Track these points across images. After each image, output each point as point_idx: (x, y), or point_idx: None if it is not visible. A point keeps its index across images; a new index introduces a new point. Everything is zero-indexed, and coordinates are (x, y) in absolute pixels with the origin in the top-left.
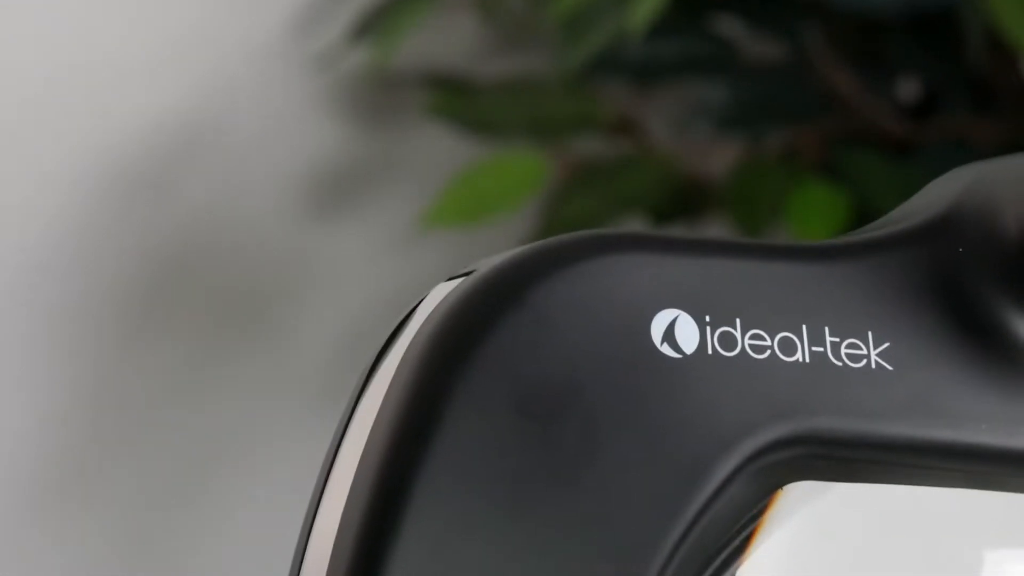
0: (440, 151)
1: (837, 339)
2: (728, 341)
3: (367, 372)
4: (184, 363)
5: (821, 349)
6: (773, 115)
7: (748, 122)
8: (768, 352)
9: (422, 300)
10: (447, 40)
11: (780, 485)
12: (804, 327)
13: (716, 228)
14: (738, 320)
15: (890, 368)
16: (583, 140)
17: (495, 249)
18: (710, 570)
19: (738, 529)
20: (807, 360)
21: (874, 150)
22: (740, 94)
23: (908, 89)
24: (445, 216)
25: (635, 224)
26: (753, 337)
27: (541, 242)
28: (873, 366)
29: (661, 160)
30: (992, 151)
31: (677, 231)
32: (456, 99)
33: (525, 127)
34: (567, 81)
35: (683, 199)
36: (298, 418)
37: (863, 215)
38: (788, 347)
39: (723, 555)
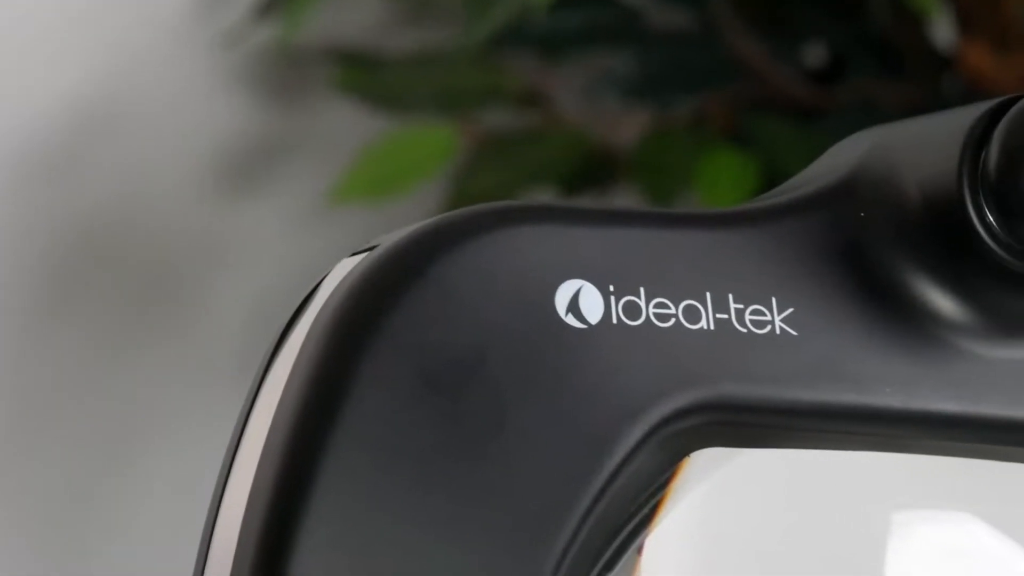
0: (348, 126)
1: (741, 306)
2: (633, 310)
3: (271, 351)
4: (92, 346)
5: (725, 316)
6: (680, 83)
7: (656, 91)
8: (673, 320)
9: (325, 277)
10: (353, 15)
11: (686, 453)
12: (708, 295)
13: (626, 198)
14: (642, 289)
15: (794, 333)
16: (491, 112)
17: (405, 223)
18: (619, 539)
19: (646, 498)
20: (712, 327)
21: (782, 116)
22: (647, 63)
23: (815, 55)
24: (354, 191)
25: (545, 196)
26: (657, 306)
27: (443, 215)
28: (777, 332)
29: (569, 131)
30: (899, 114)
31: (586, 202)
32: (363, 74)
33: (432, 100)
34: (474, 54)
35: (592, 169)
36: (210, 399)
37: (772, 181)
38: (692, 315)
39: (631, 524)
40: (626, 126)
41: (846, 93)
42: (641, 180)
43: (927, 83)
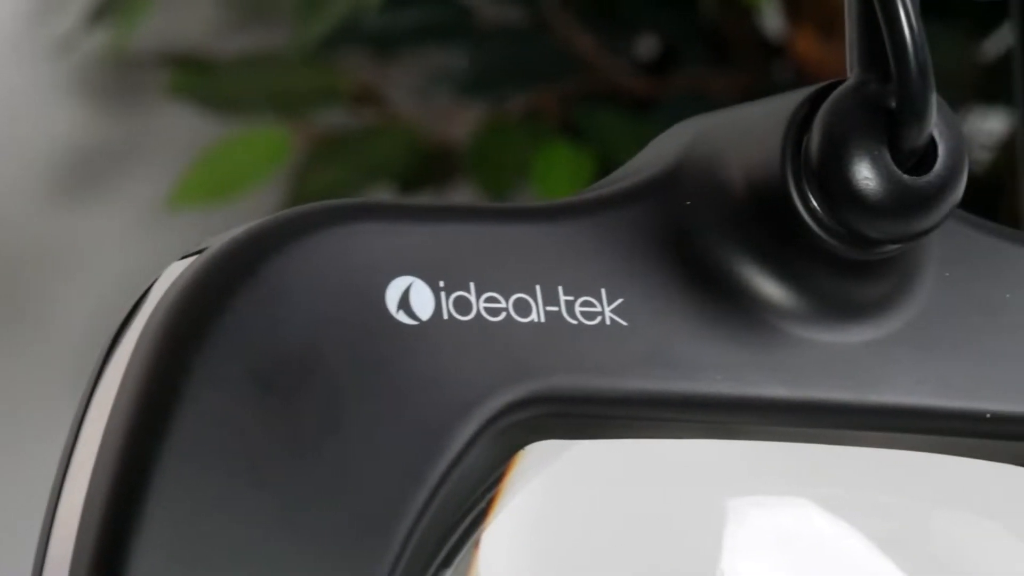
0: (185, 130)
1: (571, 298)
2: (463, 305)
3: (103, 356)
4: None
5: (556, 308)
6: (513, 78)
7: (489, 86)
8: (503, 314)
9: (155, 281)
10: (185, 19)
11: (521, 446)
12: (538, 287)
13: (463, 194)
14: (472, 284)
15: (625, 324)
16: (325, 112)
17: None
18: (455, 535)
19: (482, 493)
20: (542, 320)
21: (615, 108)
22: (480, 58)
23: (646, 46)
24: (191, 195)
25: (382, 194)
26: (488, 300)
27: (272, 216)
28: (608, 322)
29: (405, 128)
30: (730, 103)
31: (422, 199)
32: (196, 77)
33: (267, 102)
34: (306, 54)
35: (429, 166)
36: (48, 409)
37: (607, 172)
38: (523, 308)
39: (468, 519)
40: (461, 122)
41: (678, 83)
42: (477, 175)
43: (757, 71)
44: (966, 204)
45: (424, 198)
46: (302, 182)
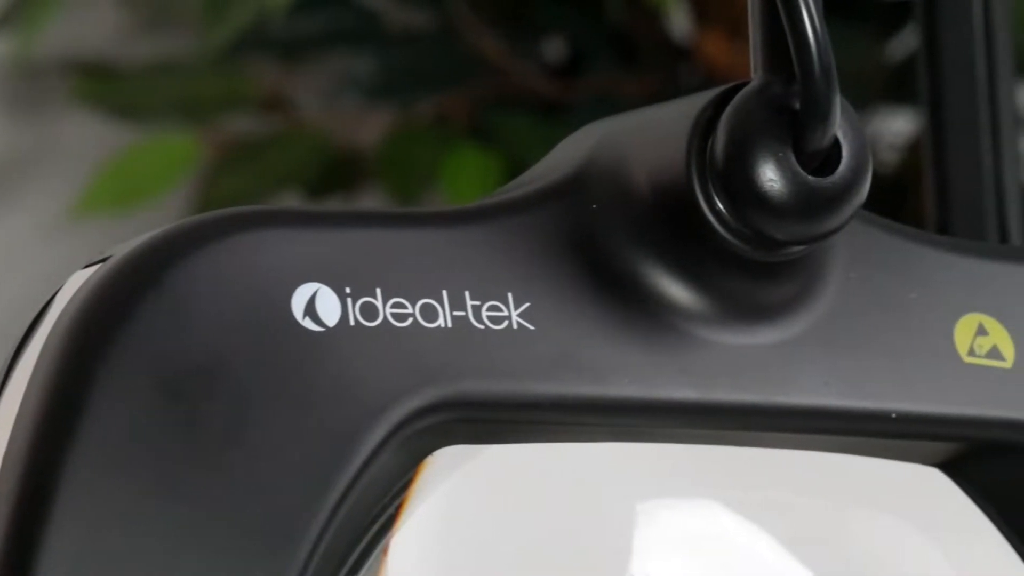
0: (90, 138)
1: (478, 302)
2: (370, 311)
3: (6, 367)
4: None
5: (462, 313)
6: (421, 82)
7: (397, 91)
8: (410, 320)
9: (58, 290)
10: (89, 26)
11: (429, 451)
12: (445, 292)
13: (372, 199)
14: (379, 290)
15: (532, 328)
16: (233, 118)
17: None
18: (364, 541)
19: (390, 499)
20: (449, 325)
21: (524, 111)
22: (387, 63)
23: (554, 49)
24: (97, 203)
25: (291, 200)
26: (395, 306)
27: (176, 224)
28: (515, 327)
29: (312, 134)
30: (639, 106)
31: (329, 205)
32: (102, 84)
33: (173, 109)
34: (213, 60)
35: (337, 172)
36: None
37: (516, 176)
38: (430, 313)
39: (376, 525)
40: (369, 127)
41: (587, 86)
42: (386, 180)
43: (666, 74)
44: (873, 205)
45: (333, 204)
46: (210, 189)
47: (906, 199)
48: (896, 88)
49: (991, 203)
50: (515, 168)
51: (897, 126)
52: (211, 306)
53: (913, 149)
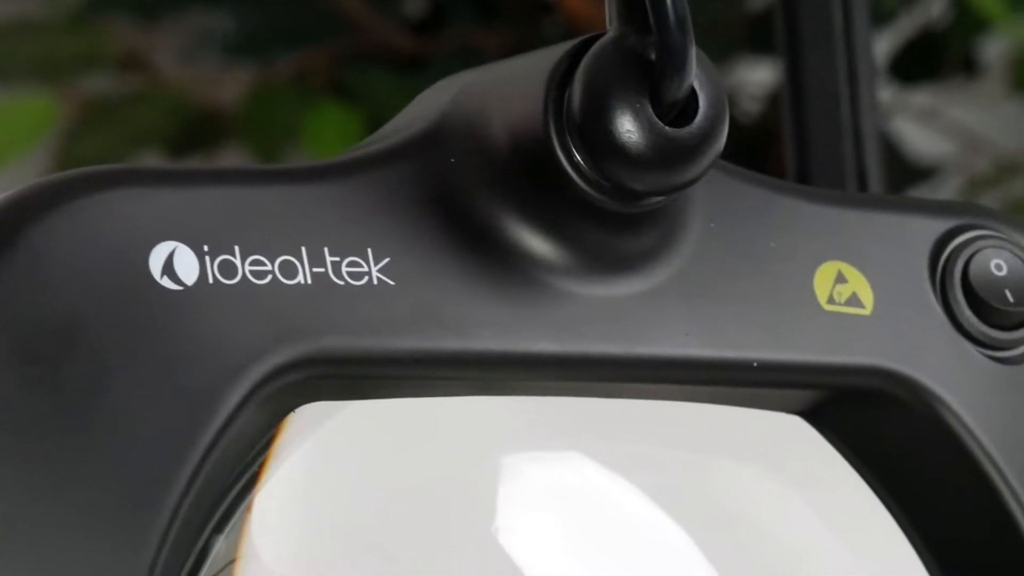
0: None
1: (337, 258)
2: (228, 269)
3: None
4: None
5: (322, 270)
6: (281, 39)
7: (256, 48)
8: (269, 277)
9: None
10: None
11: (291, 409)
12: (304, 249)
13: (234, 158)
14: (237, 248)
15: (392, 283)
16: (91, 78)
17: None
18: (228, 499)
19: (253, 456)
20: (309, 282)
21: (384, 67)
22: (246, 20)
23: (414, 4)
24: None
25: (151, 159)
26: (253, 263)
27: (29, 184)
28: (375, 282)
29: (172, 93)
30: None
31: (190, 164)
32: None
33: (30, 69)
34: (69, 19)
35: (198, 131)
36: None
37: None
38: (289, 270)
39: (240, 484)
40: (229, 85)
41: (447, 42)
42: (247, 139)
43: (527, 28)
44: (736, 155)
45: (194, 163)
46: (69, 149)
47: (769, 149)
48: (758, 39)
49: (850, 152)
50: (377, 124)
51: (759, 77)
52: (67, 266)
53: (775, 100)
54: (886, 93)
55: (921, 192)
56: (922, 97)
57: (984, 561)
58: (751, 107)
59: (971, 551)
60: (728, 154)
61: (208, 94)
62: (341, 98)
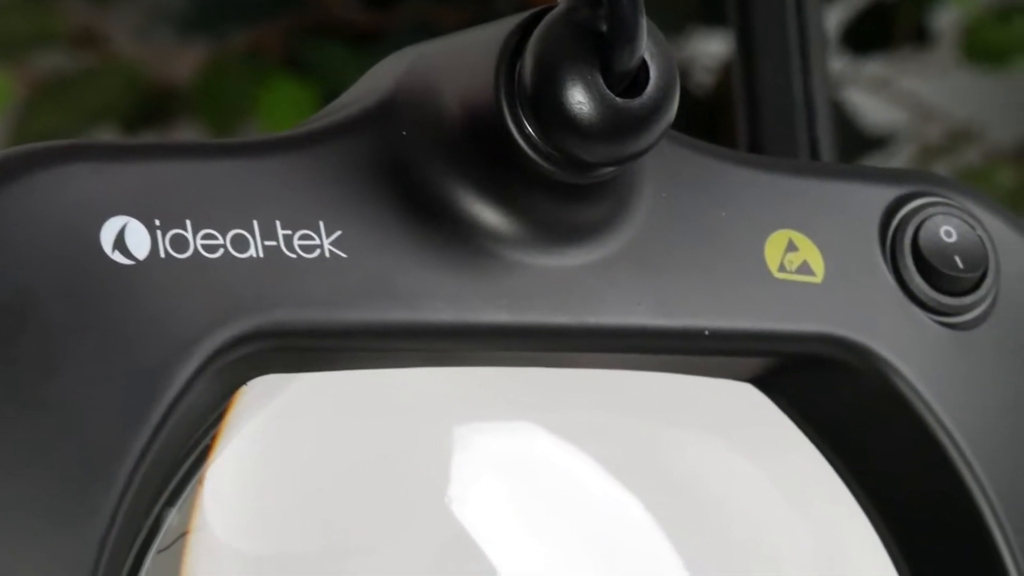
0: None
1: (289, 232)
2: (180, 243)
3: None
4: None
5: (274, 243)
6: (234, 14)
7: (210, 23)
8: (221, 251)
9: None
10: None
11: (244, 381)
12: (255, 223)
13: (189, 133)
14: (188, 222)
15: (344, 256)
16: (45, 55)
17: None
18: (180, 473)
19: (205, 430)
20: (261, 255)
21: (339, 41)
22: None
23: None
24: None
25: (105, 136)
26: (205, 237)
27: None
28: (327, 255)
29: (126, 69)
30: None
31: (145, 139)
32: None
33: None
34: None
35: (152, 106)
36: None
37: None
38: (241, 244)
39: (191, 458)
40: (183, 60)
41: (402, 16)
42: (202, 114)
43: (482, 3)
44: (689, 126)
45: (148, 138)
46: (22, 126)
47: (722, 120)
48: (710, 11)
49: (802, 122)
50: (331, 98)
51: (712, 48)
52: (18, 241)
53: (727, 71)
54: (838, 63)
55: (874, 161)
56: (874, 67)
57: (935, 525)
58: (704, 79)
59: (922, 515)
60: (681, 125)
61: (162, 70)
62: (295, 72)
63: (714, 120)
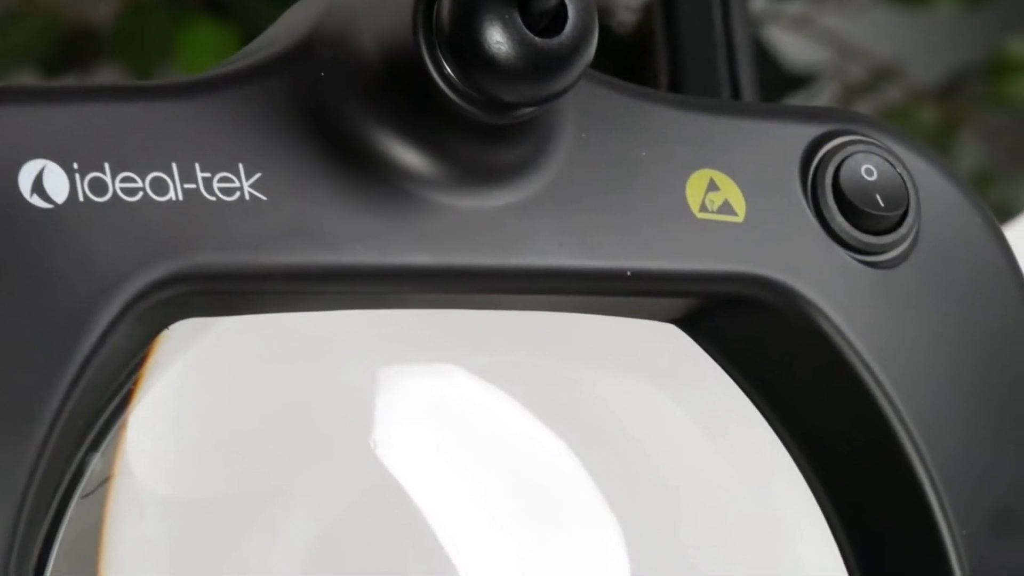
0: None
1: (209, 174)
2: (99, 187)
3: None
4: None
5: (193, 186)
6: None
7: None
8: (141, 194)
9: None
10: None
11: (165, 325)
12: (175, 165)
13: (109, 76)
14: (107, 164)
15: (264, 198)
16: None
17: None
18: (101, 419)
19: (127, 374)
20: (181, 198)
21: None
22: None
23: None
24: None
25: (24, 79)
26: (124, 180)
27: None
28: (247, 197)
29: (45, 12)
30: None
31: (64, 82)
32: None
33: None
34: None
35: (72, 50)
36: None
37: None
38: (160, 187)
39: (113, 403)
40: (103, 3)
41: None
42: (121, 56)
43: None
44: (612, 66)
45: (69, 82)
46: None
47: (644, 59)
48: None
49: (723, 61)
50: (250, 40)
51: None
52: None
53: (648, 10)
54: (759, 2)
55: (796, 100)
56: (795, 5)
57: (859, 465)
58: (626, 17)
59: (846, 454)
60: (602, 65)
61: (82, 12)
62: (215, 14)
63: (635, 60)
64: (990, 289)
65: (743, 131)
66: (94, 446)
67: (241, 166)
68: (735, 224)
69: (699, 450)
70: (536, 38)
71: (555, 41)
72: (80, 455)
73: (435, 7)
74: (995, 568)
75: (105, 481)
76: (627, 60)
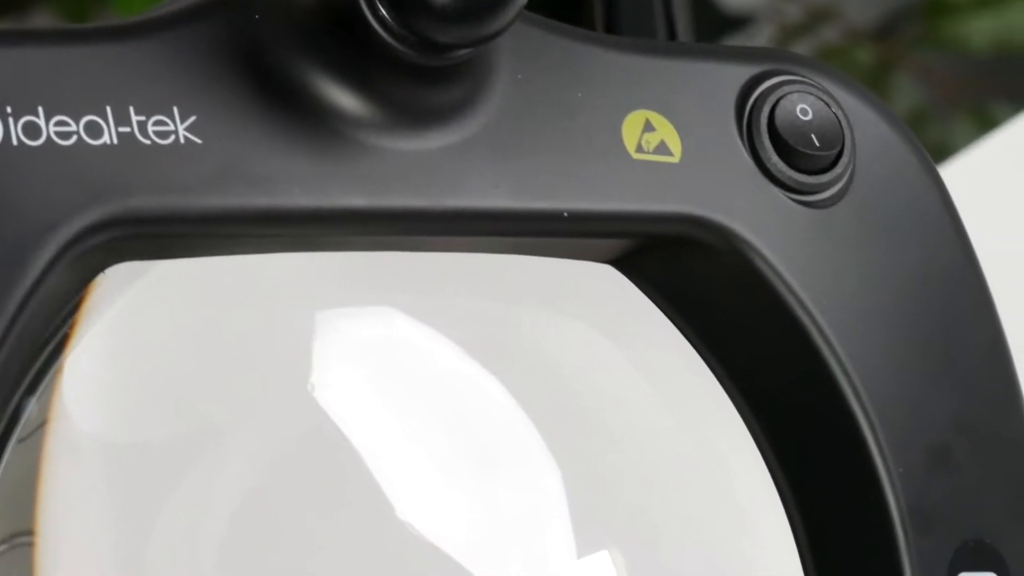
0: None
1: (143, 118)
2: (32, 131)
3: None
4: None
5: (128, 129)
6: None
7: None
8: (75, 138)
9: None
10: None
11: (101, 270)
12: (109, 108)
13: (44, 19)
14: (41, 108)
15: (199, 141)
16: None
17: None
18: (37, 364)
19: (63, 319)
20: (115, 142)
21: None
22: None
23: None
24: None
25: None
26: (58, 124)
27: None
28: (182, 141)
29: None
30: None
31: None
32: None
33: None
34: None
35: None
36: None
37: None
38: (94, 131)
39: (49, 348)
40: None
41: None
42: (57, 0)
43: None
44: (548, 8)
45: (1, 25)
46: None
47: (579, 1)
48: None
49: (659, 2)
50: None
51: None
52: None
53: None
54: None
55: (733, 41)
56: None
57: (795, 404)
58: None
59: (783, 395)
60: (539, 6)
61: None
62: None
63: (571, 1)
64: (926, 228)
65: (679, 72)
66: (30, 390)
67: (176, 109)
68: (671, 164)
69: (636, 389)
70: None
71: None
72: (16, 400)
73: None
74: (931, 506)
75: (41, 426)
76: (562, 1)
